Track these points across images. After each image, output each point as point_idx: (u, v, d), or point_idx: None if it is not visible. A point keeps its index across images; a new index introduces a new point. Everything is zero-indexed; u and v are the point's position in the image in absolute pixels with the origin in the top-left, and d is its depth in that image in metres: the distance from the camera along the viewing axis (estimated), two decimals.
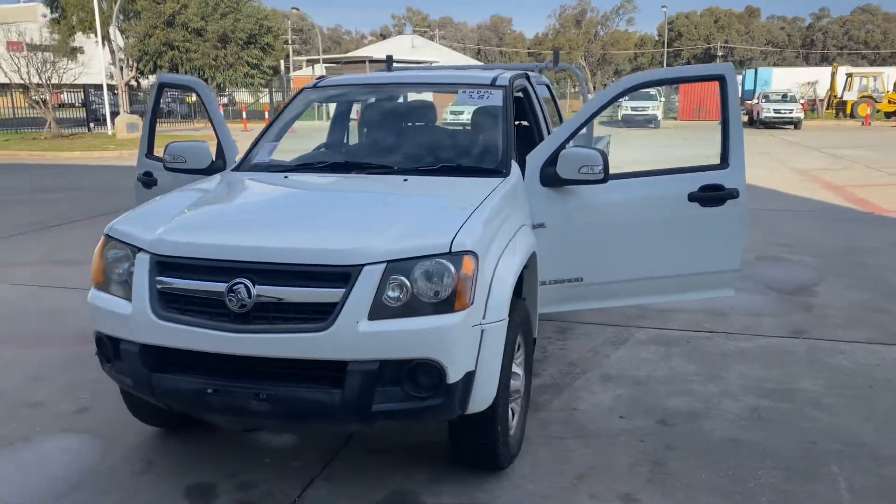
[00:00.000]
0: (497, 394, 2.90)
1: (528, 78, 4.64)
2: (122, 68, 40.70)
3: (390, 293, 2.64)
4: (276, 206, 3.40)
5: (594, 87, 71.91)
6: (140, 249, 2.87)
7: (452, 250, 2.69)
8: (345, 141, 4.75)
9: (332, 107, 4.94)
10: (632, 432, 3.59)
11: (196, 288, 2.74)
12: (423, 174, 3.63)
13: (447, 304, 2.66)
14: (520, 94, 4.53)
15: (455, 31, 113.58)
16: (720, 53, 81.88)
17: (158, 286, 2.79)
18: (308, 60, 43.72)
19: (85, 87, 30.71)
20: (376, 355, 2.60)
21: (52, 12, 38.48)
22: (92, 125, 28.74)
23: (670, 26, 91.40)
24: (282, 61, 49.51)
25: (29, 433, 3.59)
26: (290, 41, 64.51)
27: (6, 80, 23.97)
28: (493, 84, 4.08)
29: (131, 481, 3.15)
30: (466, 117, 6.15)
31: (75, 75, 24.70)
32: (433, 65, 27.18)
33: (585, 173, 3.53)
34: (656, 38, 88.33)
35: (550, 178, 3.63)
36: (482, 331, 2.76)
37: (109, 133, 25.39)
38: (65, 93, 31.31)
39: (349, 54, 45.34)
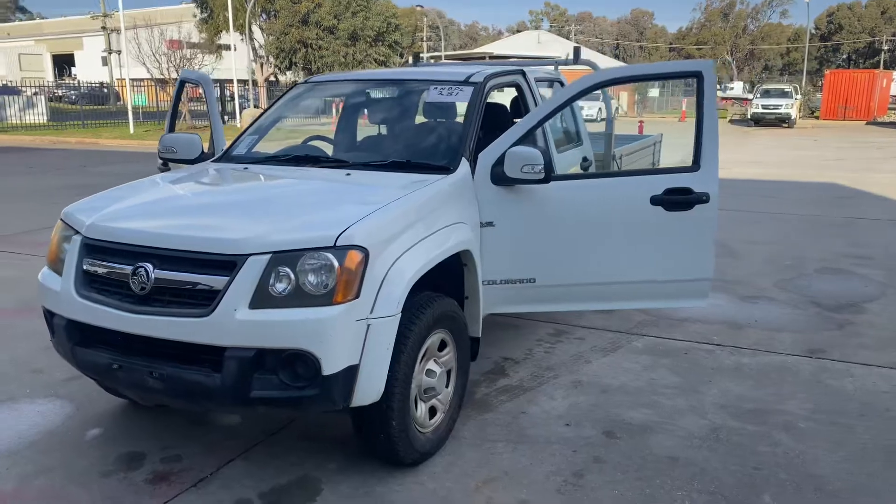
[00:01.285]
0: (392, 390, 2.92)
1: (524, 75, 4.57)
2: (262, 65, 43.24)
3: (275, 284, 2.73)
4: (203, 197, 3.57)
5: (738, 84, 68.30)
6: (77, 232, 3.12)
7: (337, 244, 2.74)
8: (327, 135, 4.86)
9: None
10: (569, 441, 3.49)
11: (109, 270, 2.96)
12: (371, 169, 3.70)
13: (327, 297, 2.71)
14: (512, 92, 4.47)
15: (593, 26, 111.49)
16: (886, 48, 75.45)
17: (83, 266, 3.03)
18: (432, 57, 44.47)
19: (221, 83, 32.79)
20: (252, 343, 2.70)
21: (201, 12, 41.35)
22: (225, 118, 30.70)
23: (829, 18, 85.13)
24: (410, 58, 50.67)
25: (20, 395, 3.97)
26: (424, 38, 65.90)
27: (149, 76, 26.14)
28: (465, 81, 4.06)
29: (77, 444, 3.43)
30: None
31: (209, 71, 26.49)
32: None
33: (527, 172, 3.46)
34: (813, 30, 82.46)
35: (499, 176, 3.57)
36: (368, 325, 2.79)
37: (237, 125, 27.04)
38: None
39: (470, 51, 45.63)
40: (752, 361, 4.50)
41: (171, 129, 5.00)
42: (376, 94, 4.63)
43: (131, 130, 24.64)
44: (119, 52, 46.73)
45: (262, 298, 2.72)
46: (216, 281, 2.75)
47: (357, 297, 2.75)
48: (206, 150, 4.39)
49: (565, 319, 5.23)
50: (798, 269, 6.78)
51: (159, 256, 2.86)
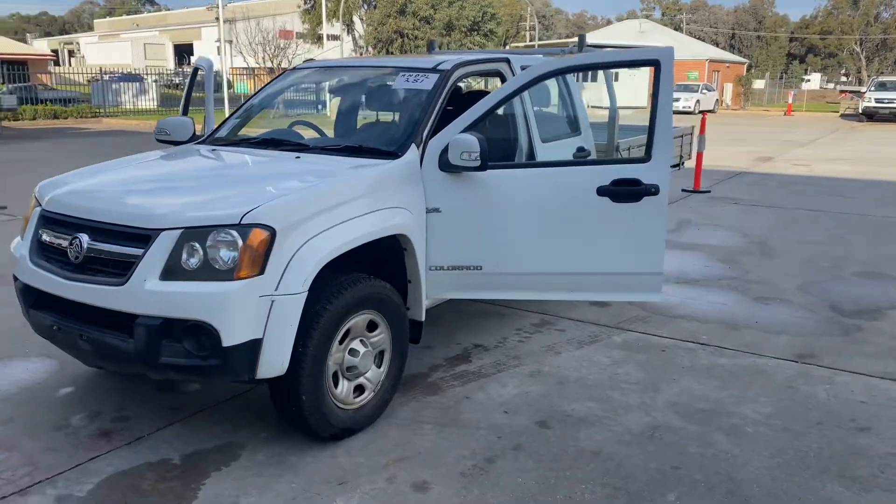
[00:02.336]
0: (301, 365, 3.04)
1: (508, 63, 4.56)
2: (361, 54, 44.26)
3: (186, 258, 2.91)
4: (153, 175, 3.76)
5: (866, 77, 63.81)
6: (39, 204, 3.42)
7: (242, 222, 2.89)
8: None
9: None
10: (498, 428, 3.51)
11: (53, 239, 3.22)
12: (325, 152, 3.82)
13: (230, 273, 2.87)
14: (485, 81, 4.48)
15: (708, 14, 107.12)
16: None
17: (39, 236, 3.32)
18: (526, 46, 44.03)
19: None
20: (159, 312, 2.89)
21: (305, 3, 42.70)
22: (319, 107, 31.63)
23: None
24: (512, 47, 50.41)
25: (18, 353, 4.35)
26: (528, 27, 65.34)
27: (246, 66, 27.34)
28: (432, 69, 4.11)
29: (46, 400, 3.74)
30: None
31: (288, 62, 27.41)
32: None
33: (465, 160, 3.49)
34: None
35: (445, 163, 3.61)
36: (272, 301, 2.92)
37: (327, 113, 27.82)
38: None
39: (563, 40, 44.87)
40: (730, 363, 4.34)
41: (185, 112, 5.28)
42: (351, 81, 4.74)
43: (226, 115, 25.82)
44: (230, 42, 48.99)
45: (173, 271, 2.90)
46: (133, 253, 2.95)
47: (261, 273, 2.89)
48: (198, 133, 4.63)
49: (554, 310, 5.20)
50: (834, 271, 6.42)
51: (92, 229, 3.09)
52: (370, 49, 42.30)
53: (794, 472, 3.15)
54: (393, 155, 3.66)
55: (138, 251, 2.95)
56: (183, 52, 72.20)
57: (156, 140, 4.67)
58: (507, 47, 54.13)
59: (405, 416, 3.63)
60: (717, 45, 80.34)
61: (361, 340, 3.37)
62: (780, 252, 7.09)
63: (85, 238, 3.09)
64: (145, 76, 33.42)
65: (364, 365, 3.37)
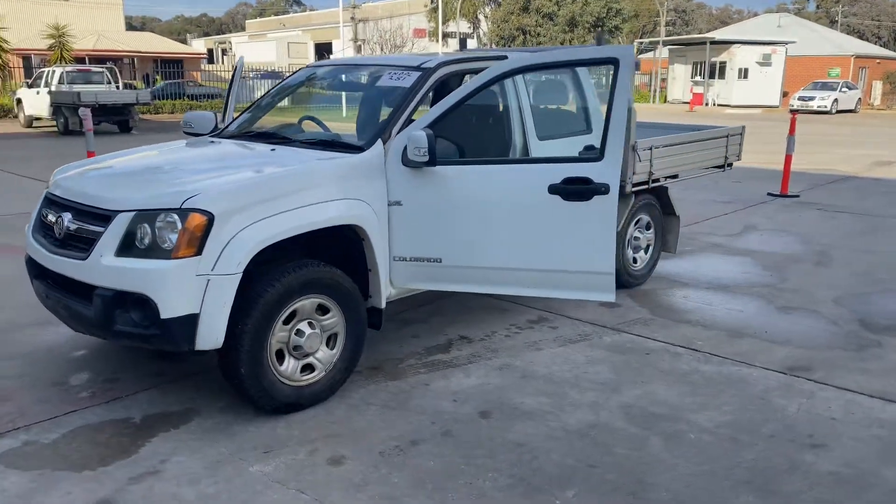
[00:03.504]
0: (240, 340, 3.31)
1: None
2: None
3: (139, 237, 3.26)
4: (143, 163, 4.12)
5: None
6: (47, 187, 3.90)
7: (182, 207, 3.19)
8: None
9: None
10: (438, 414, 3.64)
11: (48, 218, 3.68)
12: (300, 146, 4.09)
13: (170, 252, 3.18)
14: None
15: (870, 6, 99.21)
16: None
17: (40, 214, 3.79)
18: (651, 42, 42.67)
19: None
20: (112, 285, 3.25)
21: (431, 2, 43.59)
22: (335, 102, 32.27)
23: None
24: (636, 43, 49.10)
25: (51, 321, 4.90)
26: (663, 23, 63.32)
27: None
28: (416, 67, 4.27)
29: (56, 361, 4.23)
30: None
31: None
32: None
33: (416, 155, 3.63)
34: None
35: (405, 158, 3.77)
36: (208, 280, 3.21)
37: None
38: None
39: (690, 36, 43.05)
40: (712, 370, 4.22)
41: (226, 105, 5.70)
42: (346, 78, 4.96)
43: (343, 113, 26.93)
44: (364, 41, 50.89)
45: (126, 248, 3.26)
46: (98, 231, 3.33)
47: (198, 254, 3.18)
48: (219, 126, 5.03)
49: (558, 308, 5.22)
50: (887, 284, 5.98)
51: (73, 209, 3.51)
52: (493, 46, 42.57)
53: (712, 482, 3.08)
54: (359, 149, 3.86)
55: (101, 230, 3.32)
56: (323, 51, 75.60)
57: (182, 132, 5.11)
58: (635, 44, 52.73)
59: (358, 396, 3.83)
60: (878, 39, 74.30)
61: (310, 322, 3.60)
62: (838, 262, 6.67)
63: (67, 217, 3.51)
64: (285, 73, 35.41)
65: (311, 345, 3.59)
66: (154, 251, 3.22)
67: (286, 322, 3.50)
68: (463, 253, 3.88)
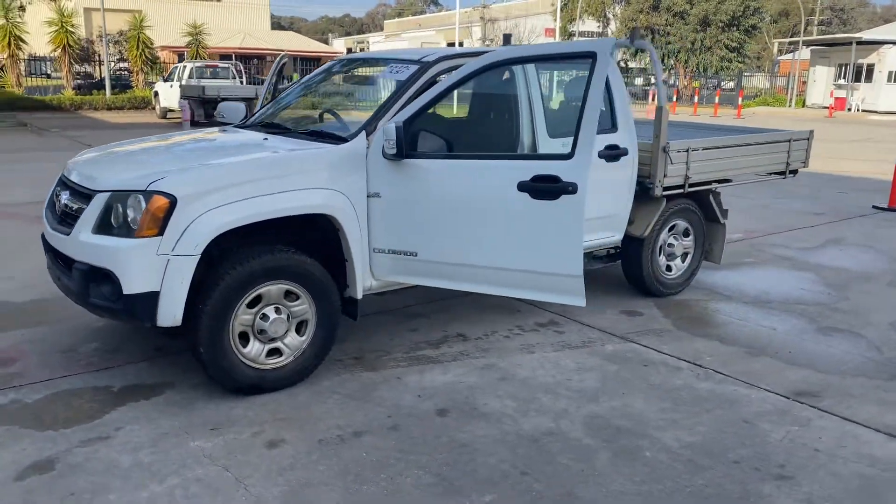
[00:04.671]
0: (200, 320, 3.45)
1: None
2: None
3: (112, 216, 3.47)
4: (147, 149, 4.30)
5: None
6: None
7: (147, 189, 3.36)
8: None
9: None
10: (396, 408, 3.62)
11: (54, 197, 3.97)
12: (291, 135, 4.19)
13: (134, 231, 3.36)
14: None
15: None
16: None
17: (53, 194, 4.10)
18: (790, 42, 39.91)
19: None
20: (86, 259, 3.47)
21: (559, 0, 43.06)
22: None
23: None
24: (776, 44, 46.32)
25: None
26: (816, 21, 59.25)
27: None
28: (415, 61, 4.26)
29: (75, 330, 4.55)
30: None
31: None
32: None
33: (387, 147, 3.63)
34: None
35: (384, 151, 3.78)
36: (168, 260, 3.36)
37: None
38: None
39: (833, 35, 39.91)
40: (706, 387, 3.94)
41: (264, 97, 5.92)
42: (360, 72, 4.99)
43: (453, 111, 27.16)
44: (492, 41, 51.12)
45: (102, 226, 3.47)
46: (79, 210, 3.57)
47: (160, 234, 3.33)
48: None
49: (571, 312, 5.05)
50: None
51: (70, 189, 3.78)
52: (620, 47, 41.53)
53: (647, 501, 2.88)
54: (339, 139, 3.90)
55: (82, 208, 3.56)
56: None
57: (218, 121, 5.36)
58: (775, 44, 49.68)
59: (328, 384, 3.88)
60: None
61: (277, 308, 3.68)
62: None
63: (65, 196, 3.79)
64: None
65: (275, 330, 3.67)
66: (122, 230, 3.40)
67: (251, 306, 3.60)
68: (437, 248, 3.84)
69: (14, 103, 22.49)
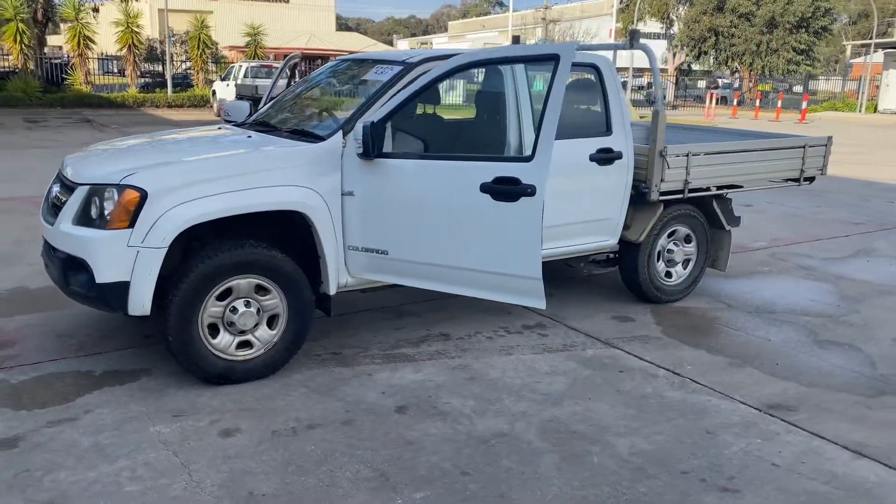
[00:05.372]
0: (168, 310, 3.58)
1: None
2: (674, 53, 42.83)
3: (90, 208, 3.63)
4: (138, 145, 4.47)
5: None
6: None
7: (119, 183, 3.51)
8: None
9: None
10: (356, 404, 3.68)
11: (49, 190, 4.18)
12: (275, 134, 4.29)
13: (107, 223, 3.51)
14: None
15: None
16: None
17: (50, 188, 4.31)
18: (862, 45, 38.29)
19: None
20: (65, 248, 3.65)
21: (620, 2, 42.45)
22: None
23: None
24: (849, 46, 44.58)
25: None
26: (891, 22, 56.81)
27: None
28: (400, 62, 4.31)
29: (77, 317, 4.76)
30: None
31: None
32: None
33: (357, 148, 3.70)
34: None
35: (357, 150, 3.84)
36: (138, 251, 3.50)
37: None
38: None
39: (887, 39, 38.08)
40: (677, 396, 3.88)
41: (268, 96, 6.03)
42: (354, 72, 5.04)
43: (443, 111, 27.18)
44: (553, 42, 50.73)
45: (81, 218, 3.64)
46: (65, 202, 3.75)
47: (131, 227, 3.48)
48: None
49: (564, 316, 5.04)
50: None
51: (60, 181, 3.97)
52: (682, 48, 40.68)
53: None
54: (317, 138, 3.99)
55: (66, 200, 3.73)
56: None
57: (224, 120, 5.53)
58: (848, 46, 47.80)
59: (298, 378, 3.96)
60: None
61: (247, 301, 3.79)
62: None
63: (56, 188, 3.98)
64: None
65: (245, 323, 3.78)
66: (97, 221, 3.56)
67: (221, 298, 3.72)
68: (406, 247, 3.88)
69: (81, 100, 23.53)
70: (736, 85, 41.70)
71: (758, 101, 30.51)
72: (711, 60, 39.53)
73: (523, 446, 3.32)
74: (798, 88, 37.61)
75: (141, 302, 3.54)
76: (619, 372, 4.18)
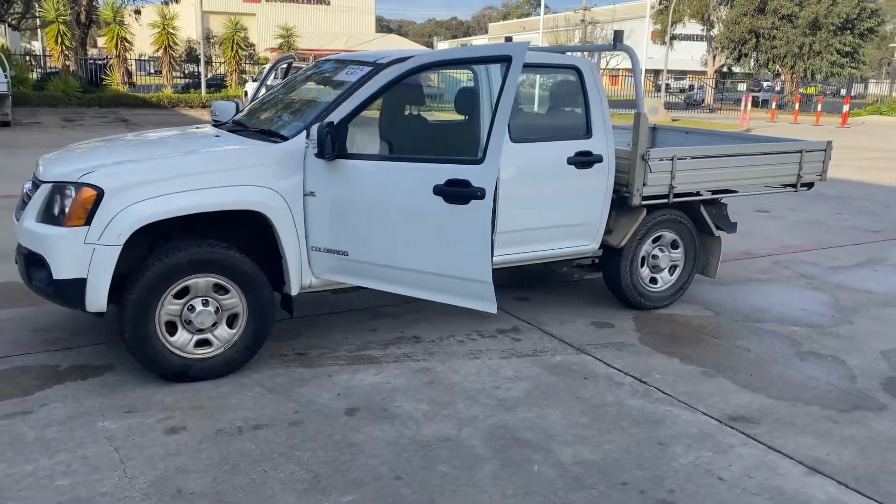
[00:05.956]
0: (125, 307, 3.63)
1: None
2: (714, 56, 42.10)
3: (54, 206, 3.70)
4: (101, 144, 4.53)
5: None
6: None
7: (78, 181, 3.57)
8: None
9: None
10: (308, 405, 3.68)
11: (24, 190, 4.26)
12: (242, 134, 4.31)
13: (64, 220, 3.57)
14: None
15: None
16: None
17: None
18: None
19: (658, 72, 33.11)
20: (27, 245, 3.72)
21: (658, 3, 41.88)
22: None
23: None
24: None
25: None
26: None
27: None
28: (371, 63, 4.29)
29: (56, 314, 4.87)
30: None
31: (618, 61, 27.29)
32: None
33: (312, 148, 3.69)
34: None
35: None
36: (94, 249, 3.55)
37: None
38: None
39: None
40: (637, 405, 3.79)
41: (255, 95, 6.07)
42: (330, 74, 5.03)
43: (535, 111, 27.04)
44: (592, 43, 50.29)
45: (43, 214, 3.70)
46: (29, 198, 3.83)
47: (87, 224, 3.53)
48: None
49: (543, 321, 4.97)
50: None
51: (33, 180, 4.05)
52: (722, 51, 39.95)
53: None
54: (281, 137, 4.00)
55: (33, 196, 3.81)
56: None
57: (212, 119, 5.58)
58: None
59: (257, 377, 3.98)
60: None
61: (205, 300, 3.81)
62: None
63: (28, 186, 4.06)
64: None
65: (202, 321, 3.80)
66: (56, 219, 3.62)
67: (179, 296, 3.75)
68: (365, 248, 3.87)
69: (118, 100, 24.09)
70: (778, 88, 40.80)
71: (797, 105, 29.77)
72: (752, 63, 38.71)
73: (465, 452, 3.28)
74: (847, 91, 36.62)
75: (97, 299, 3.59)
76: (583, 379, 4.10)
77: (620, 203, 4.96)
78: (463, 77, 5.59)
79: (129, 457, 3.14)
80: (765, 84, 52.23)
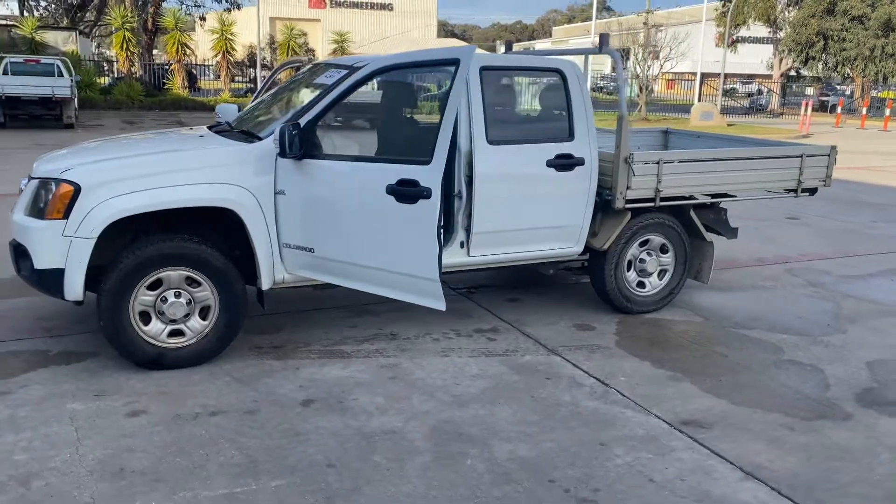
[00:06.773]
0: (100, 297, 3.85)
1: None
2: (780, 59, 40.86)
3: (39, 200, 3.96)
4: (94, 145, 4.78)
5: None
6: None
7: (58, 177, 3.82)
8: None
9: None
10: (269, 395, 3.82)
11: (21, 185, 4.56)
12: (225, 136, 4.49)
13: (45, 213, 3.82)
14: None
15: None
16: None
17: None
18: None
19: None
20: (14, 236, 3.99)
21: (722, 6, 40.88)
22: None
23: None
24: None
25: None
26: None
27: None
28: (348, 66, 4.42)
29: (54, 304, 5.15)
30: None
31: (672, 64, 26.75)
32: None
33: (276, 148, 3.85)
34: None
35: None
36: (71, 241, 3.78)
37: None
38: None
39: None
40: (591, 406, 3.80)
41: (257, 96, 6.26)
42: (315, 77, 5.16)
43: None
44: (654, 47, 49.52)
45: (33, 209, 3.97)
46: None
47: (65, 218, 3.77)
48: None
49: (525, 321, 5.01)
50: None
51: (29, 176, 4.34)
52: (789, 54, 38.71)
53: None
54: (256, 138, 4.17)
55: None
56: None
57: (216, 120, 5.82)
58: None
59: (229, 367, 4.15)
60: None
61: (178, 292, 4.01)
62: None
63: (23, 182, 4.34)
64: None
65: (174, 312, 4.00)
66: (39, 212, 3.88)
67: (152, 288, 3.95)
68: (327, 245, 4.00)
69: (178, 103, 25.02)
70: (848, 92, 39.35)
71: (864, 110, 28.61)
72: (820, 66, 37.37)
73: (404, 445, 3.36)
74: None
75: (74, 288, 3.82)
76: (545, 379, 4.13)
77: (605, 206, 4.96)
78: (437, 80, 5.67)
79: (87, 436, 3.34)
80: (838, 88, 50.35)
